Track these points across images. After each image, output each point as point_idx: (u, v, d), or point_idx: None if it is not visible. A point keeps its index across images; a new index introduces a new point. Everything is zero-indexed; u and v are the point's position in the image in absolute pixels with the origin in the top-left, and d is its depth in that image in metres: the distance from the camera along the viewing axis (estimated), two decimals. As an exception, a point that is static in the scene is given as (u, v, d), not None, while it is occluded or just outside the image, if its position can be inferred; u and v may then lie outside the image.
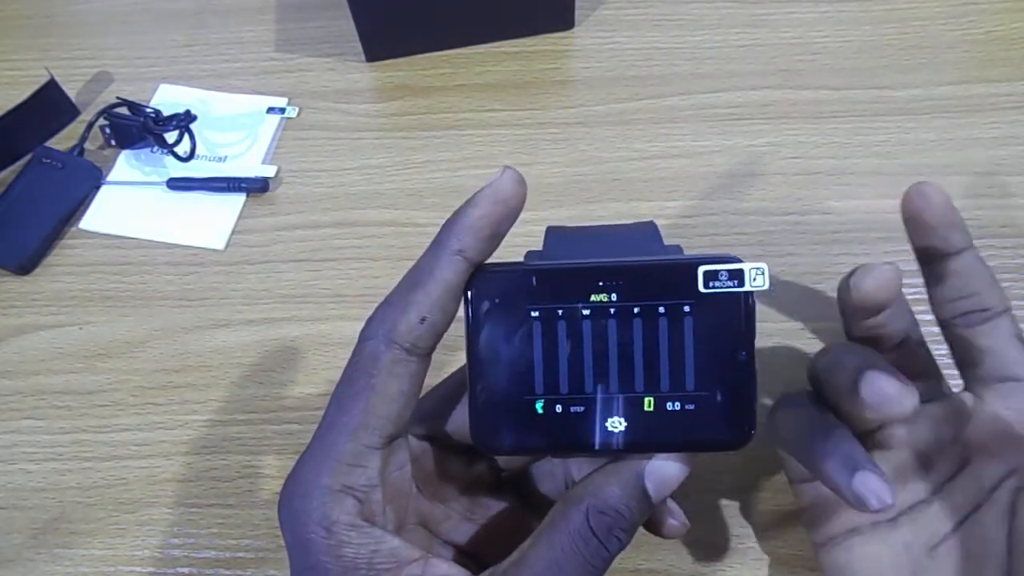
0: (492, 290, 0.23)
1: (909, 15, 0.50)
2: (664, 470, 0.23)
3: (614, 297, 0.23)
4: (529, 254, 0.25)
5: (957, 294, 0.27)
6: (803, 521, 0.30)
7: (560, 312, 0.23)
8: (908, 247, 0.40)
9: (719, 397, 0.23)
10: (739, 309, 0.22)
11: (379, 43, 0.49)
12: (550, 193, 0.44)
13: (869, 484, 0.23)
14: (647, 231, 0.26)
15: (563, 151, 0.45)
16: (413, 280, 0.23)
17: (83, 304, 0.42)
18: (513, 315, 0.23)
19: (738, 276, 0.22)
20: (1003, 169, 0.43)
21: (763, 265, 0.22)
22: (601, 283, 0.23)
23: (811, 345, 0.37)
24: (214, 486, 0.36)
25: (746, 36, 0.49)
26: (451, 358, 0.35)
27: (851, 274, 0.27)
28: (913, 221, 0.27)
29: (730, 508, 0.33)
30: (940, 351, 0.29)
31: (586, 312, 0.23)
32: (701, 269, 0.22)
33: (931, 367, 0.28)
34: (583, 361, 0.23)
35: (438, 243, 0.23)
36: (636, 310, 0.23)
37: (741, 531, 0.33)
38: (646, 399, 0.23)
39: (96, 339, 0.40)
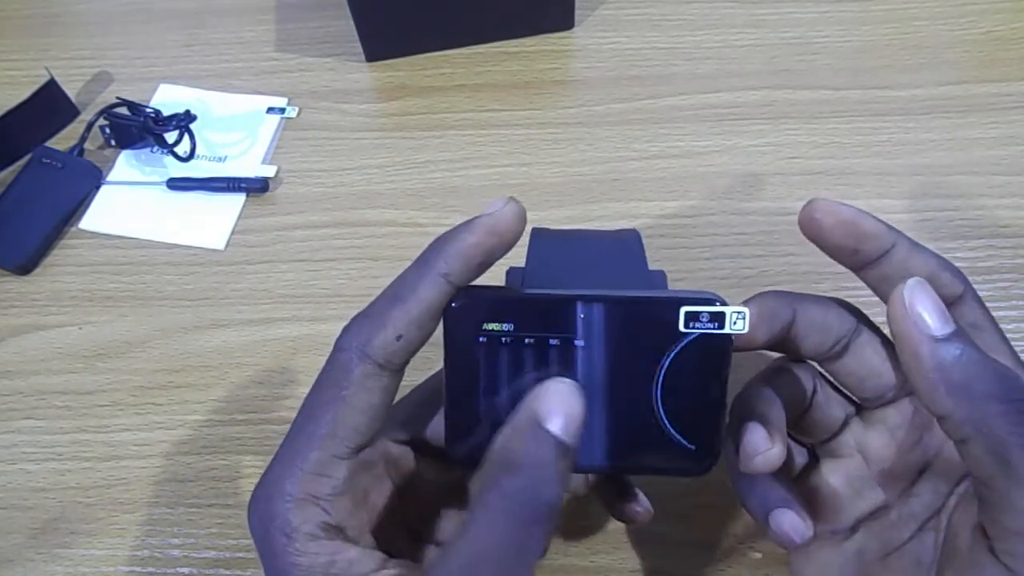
0: (472, 314, 0.23)
1: (909, 15, 0.50)
2: (558, 401, 0.21)
3: (593, 329, 0.23)
4: (511, 272, 0.25)
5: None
6: None
7: (539, 340, 0.23)
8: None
9: (687, 430, 0.23)
10: (716, 349, 0.23)
11: (379, 43, 0.49)
12: (550, 193, 0.44)
13: (782, 522, 0.25)
14: (631, 246, 0.26)
15: (563, 151, 0.45)
16: (394, 295, 0.23)
17: (83, 304, 0.42)
18: (491, 340, 0.23)
19: (719, 319, 0.23)
20: (1003, 169, 0.43)
21: (744, 309, 0.22)
22: (582, 315, 0.23)
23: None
24: (214, 486, 0.36)
25: (746, 36, 0.49)
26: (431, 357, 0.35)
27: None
28: (818, 244, 0.25)
29: (728, 508, 0.33)
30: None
31: (565, 341, 0.23)
32: (683, 310, 0.23)
33: (886, 365, 0.26)
34: None
35: (424, 262, 0.23)
36: (614, 343, 0.23)
37: (739, 531, 0.33)
38: (618, 426, 0.24)
39: (96, 339, 0.40)
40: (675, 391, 0.23)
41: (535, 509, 0.20)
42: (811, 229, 0.25)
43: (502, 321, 0.23)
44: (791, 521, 0.25)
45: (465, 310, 0.23)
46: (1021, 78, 0.46)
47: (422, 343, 0.23)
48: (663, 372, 0.23)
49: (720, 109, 0.46)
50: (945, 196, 0.42)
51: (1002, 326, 0.39)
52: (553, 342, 0.23)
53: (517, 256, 0.26)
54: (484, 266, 0.23)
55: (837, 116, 0.45)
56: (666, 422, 0.23)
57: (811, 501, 0.27)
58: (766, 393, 0.26)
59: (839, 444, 0.27)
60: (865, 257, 0.24)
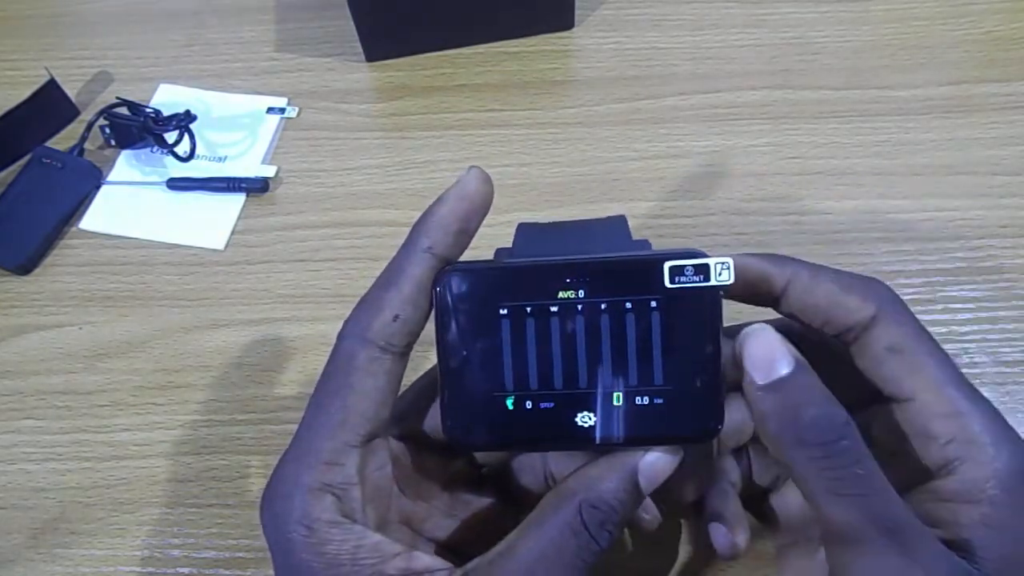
0: (460, 287, 0.23)
1: (909, 15, 0.50)
2: (658, 464, 0.23)
3: (581, 294, 0.23)
4: (499, 251, 0.26)
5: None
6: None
7: (528, 309, 0.23)
8: (908, 248, 0.40)
9: (686, 391, 0.23)
10: (705, 304, 0.23)
11: (379, 43, 0.49)
12: (550, 193, 0.44)
13: (715, 535, 0.27)
14: (616, 225, 0.26)
15: (563, 151, 0.45)
16: (386, 279, 0.24)
17: (83, 304, 0.42)
18: (481, 312, 0.23)
19: (703, 271, 0.22)
20: (1003, 169, 0.43)
21: (728, 259, 0.22)
22: (568, 280, 0.23)
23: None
24: (214, 486, 0.36)
25: (746, 36, 0.49)
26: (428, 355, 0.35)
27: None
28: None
29: (730, 508, 0.33)
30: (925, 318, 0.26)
31: (553, 309, 0.23)
32: (667, 265, 0.23)
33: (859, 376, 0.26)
34: (551, 358, 0.23)
35: (408, 242, 0.24)
36: (603, 306, 0.23)
37: (741, 531, 0.33)
38: (615, 394, 0.23)
39: (96, 339, 0.40)
40: (669, 350, 0.23)
41: (592, 540, 0.22)
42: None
43: (488, 292, 0.23)
44: (721, 535, 0.26)
45: (452, 283, 0.23)
46: (1021, 78, 0.46)
47: (420, 323, 0.24)
48: (654, 331, 0.23)
49: (720, 109, 0.46)
50: (945, 196, 0.42)
51: (1002, 326, 0.39)
52: (540, 310, 0.23)
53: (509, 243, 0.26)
54: (463, 234, 0.24)
55: (837, 116, 0.45)
56: (665, 384, 0.23)
57: (780, 516, 0.28)
58: (718, 488, 0.28)
59: None
60: (767, 299, 0.25)
